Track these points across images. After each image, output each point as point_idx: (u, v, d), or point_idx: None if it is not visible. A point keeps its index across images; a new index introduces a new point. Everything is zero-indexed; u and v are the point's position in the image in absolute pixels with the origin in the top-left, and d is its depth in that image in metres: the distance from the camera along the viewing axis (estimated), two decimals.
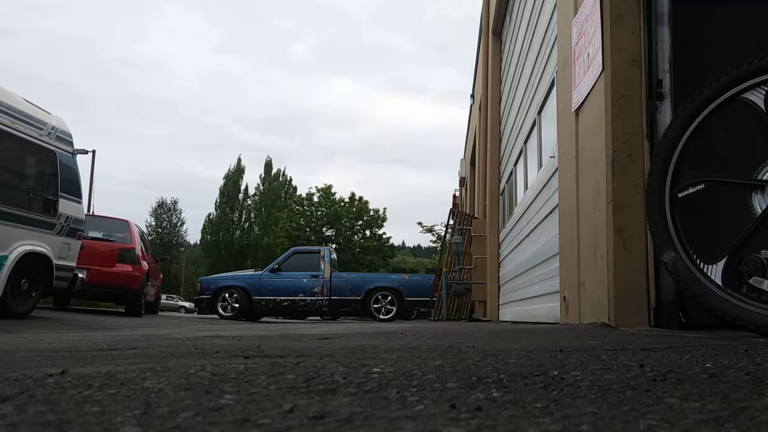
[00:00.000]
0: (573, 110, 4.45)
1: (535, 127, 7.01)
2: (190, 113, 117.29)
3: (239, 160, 69.76)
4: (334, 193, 47.72)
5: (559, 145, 5.17)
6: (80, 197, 7.95)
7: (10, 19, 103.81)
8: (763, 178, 2.23)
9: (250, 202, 59.54)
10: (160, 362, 1.52)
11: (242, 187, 59.45)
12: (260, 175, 60.08)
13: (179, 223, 61.59)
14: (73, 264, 7.74)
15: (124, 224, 11.54)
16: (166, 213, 61.04)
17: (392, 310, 13.56)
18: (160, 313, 14.19)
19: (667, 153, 2.41)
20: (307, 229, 46.07)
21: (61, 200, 7.35)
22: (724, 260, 2.28)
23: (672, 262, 2.41)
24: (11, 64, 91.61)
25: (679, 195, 2.44)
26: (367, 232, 47.26)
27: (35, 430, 0.71)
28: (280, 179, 59.86)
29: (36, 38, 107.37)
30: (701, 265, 2.34)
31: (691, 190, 2.45)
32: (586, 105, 4.16)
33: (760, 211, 2.24)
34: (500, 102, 10.95)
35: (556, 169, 5.29)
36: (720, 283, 2.26)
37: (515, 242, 8.32)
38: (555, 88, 5.68)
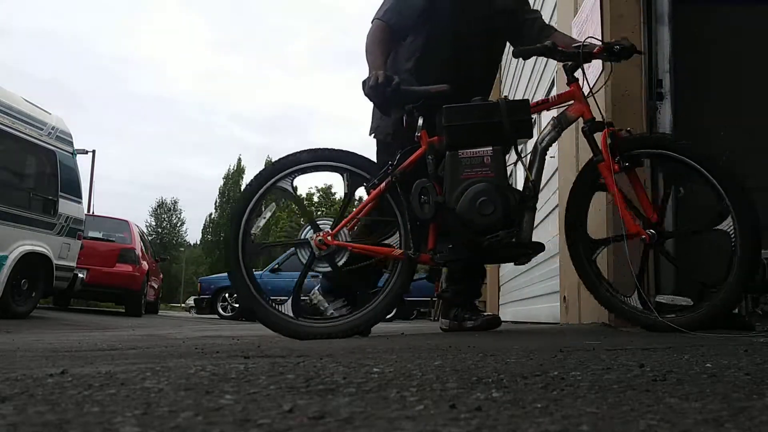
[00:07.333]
0: None
1: (535, 127, 7.00)
2: (188, 112, 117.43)
3: (239, 160, 70.01)
4: (334, 193, 47.75)
5: (559, 144, 5.16)
6: (80, 197, 7.95)
7: (5, 18, 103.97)
8: (302, 237, 2.93)
9: None
10: (160, 362, 1.52)
11: (243, 187, 59.53)
12: None
13: (179, 223, 61.64)
14: (73, 264, 7.75)
15: (124, 224, 11.56)
16: (166, 213, 61.07)
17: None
18: (160, 313, 14.20)
19: (235, 231, 2.99)
20: None
21: (61, 200, 7.35)
22: (289, 300, 3.07)
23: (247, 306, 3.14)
24: (7, 62, 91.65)
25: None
26: None
27: (35, 430, 0.71)
28: None
29: (32, 37, 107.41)
30: (274, 304, 3.10)
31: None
32: None
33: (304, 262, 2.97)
34: None
35: (556, 169, 5.29)
36: (291, 314, 3.03)
37: None
38: (555, 88, 5.67)
